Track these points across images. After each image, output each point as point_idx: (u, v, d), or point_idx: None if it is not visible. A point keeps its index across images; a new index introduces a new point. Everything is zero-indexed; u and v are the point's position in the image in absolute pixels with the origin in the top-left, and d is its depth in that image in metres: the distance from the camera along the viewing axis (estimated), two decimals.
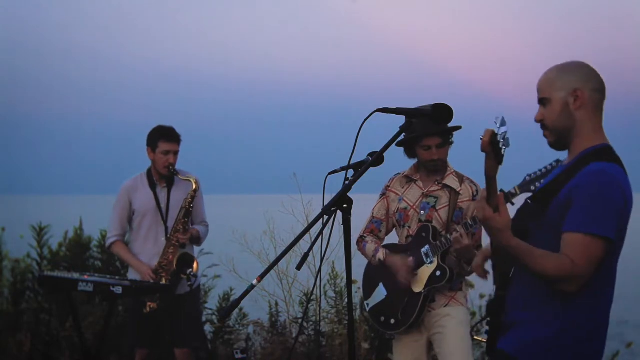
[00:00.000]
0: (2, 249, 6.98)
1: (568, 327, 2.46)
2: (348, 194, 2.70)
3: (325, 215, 2.67)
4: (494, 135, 2.27)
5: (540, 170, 3.58)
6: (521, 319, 2.54)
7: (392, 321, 4.11)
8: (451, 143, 4.16)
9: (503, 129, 2.32)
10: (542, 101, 2.61)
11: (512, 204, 3.69)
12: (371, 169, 2.94)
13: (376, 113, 2.89)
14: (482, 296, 6.03)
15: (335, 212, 2.68)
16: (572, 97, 2.54)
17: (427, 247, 4.02)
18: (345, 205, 2.69)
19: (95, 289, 4.50)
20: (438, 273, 3.99)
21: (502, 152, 2.32)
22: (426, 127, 3.99)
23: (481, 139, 2.28)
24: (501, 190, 3.79)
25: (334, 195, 2.71)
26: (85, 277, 4.57)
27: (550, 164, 3.54)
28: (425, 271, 4.02)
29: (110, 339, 5.81)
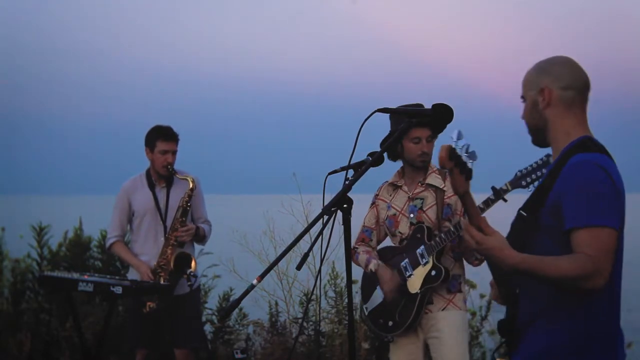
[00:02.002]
0: (2, 249, 6.99)
1: (585, 329, 2.41)
2: (348, 194, 2.70)
3: (325, 215, 2.66)
4: (451, 150, 2.25)
5: (530, 166, 3.60)
6: (531, 332, 2.48)
7: (390, 323, 4.11)
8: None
9: (462, 142, 2.29)
10: (522, 99, 2.62)
11: (505, 200, 3.70)
12: (371, 169, 2.94)
13: (376, 113, 2.89)
14: (482, 296, 6.02)
15: (335, 212, 2.68)
16: (540, 96, 2.54)
17: (422, 247, 4.03)
18: (345, 205, 2.68)
19: (95, 289, 4.50)
20: (433, 272, 4.00)
21: (469, 166, 2.29)
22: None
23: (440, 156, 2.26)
24: (492, 187, 3.82)
25: (334, 195, 2.71)
26: (85, 277, 4.57)
27: (541, 159, 3.56)
28: (421, 272, 4.02)
29: (110, 339, 5.80)
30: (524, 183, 3.54)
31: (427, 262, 4.00)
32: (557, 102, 2.52)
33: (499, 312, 3.69)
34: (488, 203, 3.81)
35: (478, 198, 4.10)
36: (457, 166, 2.27)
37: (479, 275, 4.21)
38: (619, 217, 2.38)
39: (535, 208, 2.48)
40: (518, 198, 2.88)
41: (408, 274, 4.06)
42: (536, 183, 3.48)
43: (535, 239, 2.47)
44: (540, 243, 2.45)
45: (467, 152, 2.29)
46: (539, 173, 3.53)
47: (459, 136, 2.29)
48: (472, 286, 5.63)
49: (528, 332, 2.50)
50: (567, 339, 2.40)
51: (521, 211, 2.56)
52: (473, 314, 6.00)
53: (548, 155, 3.68)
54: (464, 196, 2.37)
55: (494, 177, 3.77)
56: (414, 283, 4.04)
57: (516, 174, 3.55)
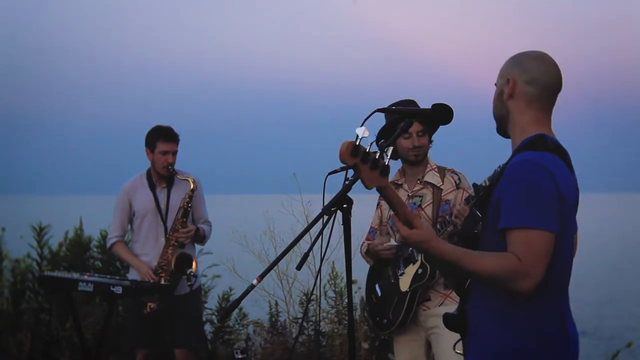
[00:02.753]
0: (2, 249, 6.99)
1: (527, 333, 2.34)
2: (348, 194, 2.70)
3: (325, 215, 2.66)
4: (354, 145, 2.17)
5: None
6: (481, 330, 2.44)
7: (385, 321, 4.15)
8: (431, 141, 4.19)
9: (370, 139, 2.21)
10: (495, 85, 2.58)
11: None
12: None
13: (376, 113, 2.88)
14: None
15: (335, 212, 2.68)
16: (505, 86, 2.49)
17: None
18: (345, 205, 2.68)
19: (95, 289, 4.50)
20: (420, 271, 4.02)
21: (384, 162, 2.21)
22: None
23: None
24: (474, 184, 3.80)
25: (334, 195, 2.71)
26: (85, 277, 4.57)
27: None
28: (411, 270, 4.06)
29: (110, 339, 5.81)
30: None
31: (416, 261, 4.04)
32: (518, 96, 2.47)
33: None
34: (469, 200, 3.83)
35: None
36: (365, 162, 2.19)
37: None
38: (559, 219, 2.29)
39: (484, 205, 2.46)
40: None
41: (400, 272, 4.10)
42: None
43: (484, 235, 2.44)
44: (488, 240, 2.41)
45: (379, 148, 2.22)
46: None
47: (364, 133, 2.21)
48: None
49: (478, 330, 2.45)
50: (518, 342, 2.35)
51: (473, 207, 2.54)
52: None
53: None
54: (381, 191, 2.30)
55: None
56: (405, 281, 4.08)
57: (495, 170, 3.54)
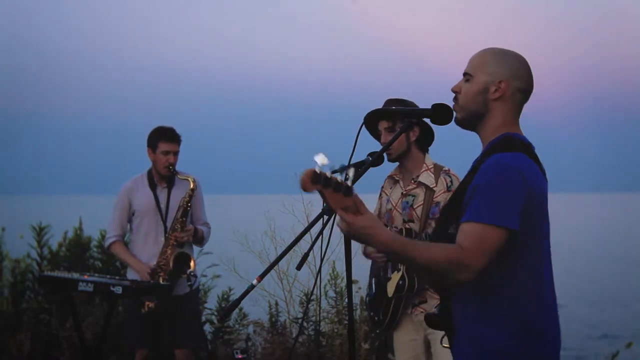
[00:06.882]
0: (2, 249, 6.99)
1: (506, 330, 2.37)
2: None
3: (325, 216, 2.67)
4: (314, 173, 2.17)
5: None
6: (464, 329, 2.46)
7: (376, 319, 4.19)
8: (415, 136, 4.07)
9: (328, 164, 2.20)
10: (466, 75, 2.52)
11: None
12: (371, 169, 2.94)
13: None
14: None
15: (335, 212, 2.68)
16: (494, 86, 2.46)
17: None
18: None
19: (95, 289, 4.50)
20: (400, 282, 4.00)
21: (347, 183, 2.21)
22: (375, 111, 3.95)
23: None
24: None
25: None
26: (85, 277, 4.57)
27: None
28: (395, 277, 4.05)
29: (110, 339, 5.81)
30: None
31: (400, 270, 4.02)
32: (506, 99, 2.47)
33: None
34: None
35: None
36: (328, 187, 2.20)
37: None
38: (525, 218, 2.31)
39: (458, 202, 2.46)
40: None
41: (388, 276, 4.09)
42: None
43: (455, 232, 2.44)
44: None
45: (338, 171, 2.23)
46: None
47: (323, 159, 2.20)
48: None
49: (461, 328, 2.46)
50: (498, 340, 2.37)
51: (448, 205, 2.56)
52: None
53: None
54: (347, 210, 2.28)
55: None
56: (390, 287, 4.08)
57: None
